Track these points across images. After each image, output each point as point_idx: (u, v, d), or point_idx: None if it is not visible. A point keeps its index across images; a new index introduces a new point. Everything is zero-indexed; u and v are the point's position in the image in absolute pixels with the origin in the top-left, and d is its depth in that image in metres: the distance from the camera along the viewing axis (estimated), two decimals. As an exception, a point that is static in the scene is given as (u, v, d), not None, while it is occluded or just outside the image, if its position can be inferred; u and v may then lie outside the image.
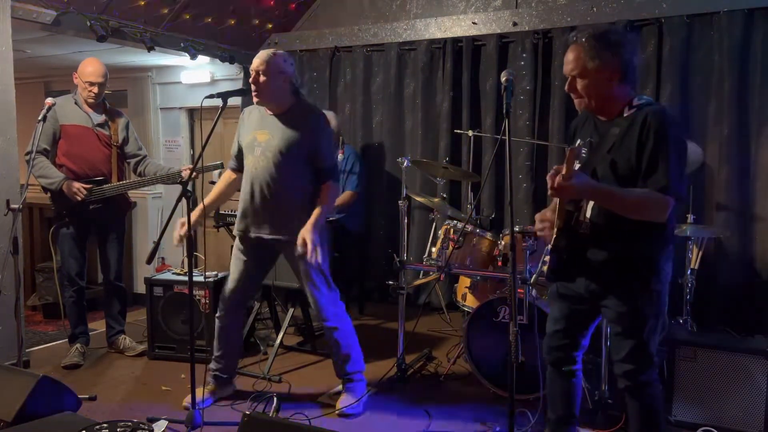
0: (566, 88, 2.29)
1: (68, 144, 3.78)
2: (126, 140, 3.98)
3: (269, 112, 3.12)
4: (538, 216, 2.38)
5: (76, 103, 3.83)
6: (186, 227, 2.93)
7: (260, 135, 3.11)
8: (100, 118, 3.88)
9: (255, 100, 3.06)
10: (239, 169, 3.26)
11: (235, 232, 3.25)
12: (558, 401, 2.54)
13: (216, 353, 3.33)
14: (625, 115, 2.22)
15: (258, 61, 3.03)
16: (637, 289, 2.21)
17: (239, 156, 3.24)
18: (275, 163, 3.05)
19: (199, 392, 3.05)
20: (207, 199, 3.26)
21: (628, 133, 2.17)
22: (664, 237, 2.22)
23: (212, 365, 3.33)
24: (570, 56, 2.23)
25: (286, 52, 3.11)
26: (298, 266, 3.16)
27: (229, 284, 3.26)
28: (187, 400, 3.05)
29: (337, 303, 3.23)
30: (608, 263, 2.23)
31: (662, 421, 2.32)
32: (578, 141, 2.18)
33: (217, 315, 3.32)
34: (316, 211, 3.05)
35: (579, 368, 2.53)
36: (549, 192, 2.15)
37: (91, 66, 3.79)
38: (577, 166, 2.17)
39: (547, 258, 2.29)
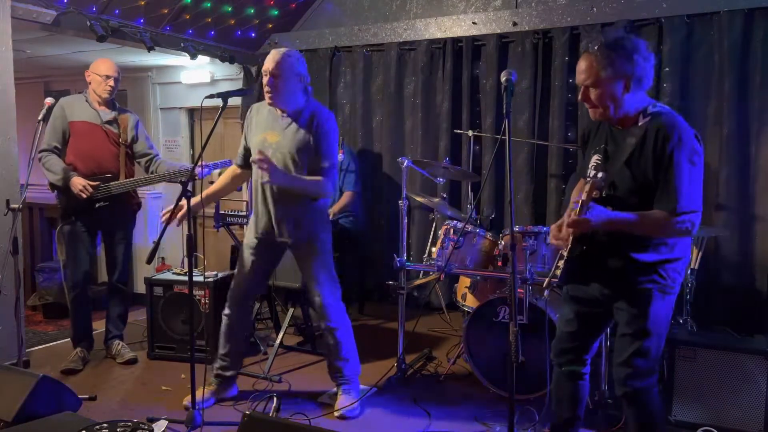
0: (579, 98, 2.24)
1: (76, 141, 3.75)
2: (135, 139, 3.92)
3: (280, 113, 3.08)
4: (553, 228, 2.31)
5: (86, 101, 3.82)
6: (183, 211, 2.94)
7: (270, 136, 3.06)
8: (109, 115, 3.84)
9: (268, 101, 3.02)
10: (244, 165, 3.24)
11: (248, 235, 3.22)
12: (564, 404, 2.51)
13: (222, 351, 3.30)
14: (639, 124, 2.18)
15: (271, 62, 2.95)
16: (651, 294, 2.19)
17: (246, 154, 3.21)
18: (285, 164, 3.01)
19: (199, 392, 3.05)
20: (207, 191, 3.25)
21: (644, 145, 2.13)
22: (682, 245, 2.22)
23: (217, 363, 3.31)
24: (582, 66, 2.18)
25: (297, 51, 3.05)
26: (304, 265, 3.17)
27: (237, 282, 3.25)
28: (187, 400, 3.05)
29: (339, 304, 3.22)
30: (625, 269, 2.21)
31: (661, 426, 2.31)
32: (600, 174, 2.16)
33: (224, 312, 3.29)
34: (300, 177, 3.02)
35: (587, 371, 2.50)
36: (565, 226, 2.14)
37: (104, 63, 3.79)
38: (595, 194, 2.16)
39: (561, 262, 2.25)
